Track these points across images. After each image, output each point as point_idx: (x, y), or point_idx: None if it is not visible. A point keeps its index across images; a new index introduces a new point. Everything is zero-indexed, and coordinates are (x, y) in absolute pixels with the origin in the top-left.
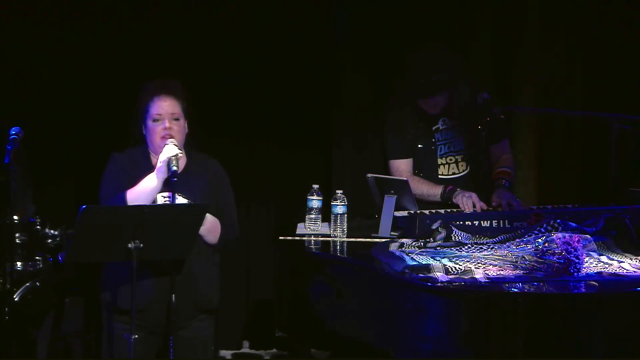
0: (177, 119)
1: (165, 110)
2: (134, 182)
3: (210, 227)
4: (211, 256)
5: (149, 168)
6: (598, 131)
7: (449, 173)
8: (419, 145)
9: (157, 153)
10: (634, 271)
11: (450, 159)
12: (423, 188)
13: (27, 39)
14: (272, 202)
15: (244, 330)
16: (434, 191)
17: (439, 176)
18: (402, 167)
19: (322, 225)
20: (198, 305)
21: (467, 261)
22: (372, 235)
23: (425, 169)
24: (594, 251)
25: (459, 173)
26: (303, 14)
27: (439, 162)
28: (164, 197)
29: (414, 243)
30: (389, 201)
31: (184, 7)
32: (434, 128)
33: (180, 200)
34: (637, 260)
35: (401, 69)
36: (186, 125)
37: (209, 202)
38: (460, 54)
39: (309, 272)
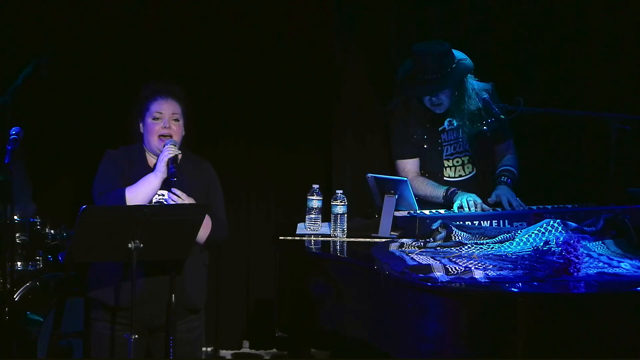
0: (176, 120)
1: (166, 110)
2: (128, 179)
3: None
4: (199, 256)
5: (145, 166)
6: (598, 131)
7: (456, 175)
8: (425, 146)
9: (154, 151)
10: (634, 271)
11: (457, 161)
12: (427, 189)
13: (27, 39)
14: (272, 202)
15: (244, 330)
16: (437, 193)
17: (445, 178)
18: (408, 167)
19: (322, 225)
20: (184, 305)
21: (467, 261)
22: (372, 235)
23: (431, 170)
24: (594, 251)
25: (465, 175)
26: (303, 14)
27: (445, 164)
28: (160, 195)
29: (414, 243)
30: (389, 201)
31: (183, 7)
32: (440, 129)
33: (178, 194)
34: (637, 260)
35: (403, 67)
36: (184, 127)
37: (201, 202)
38: (463, 52)
39: (309, 272)
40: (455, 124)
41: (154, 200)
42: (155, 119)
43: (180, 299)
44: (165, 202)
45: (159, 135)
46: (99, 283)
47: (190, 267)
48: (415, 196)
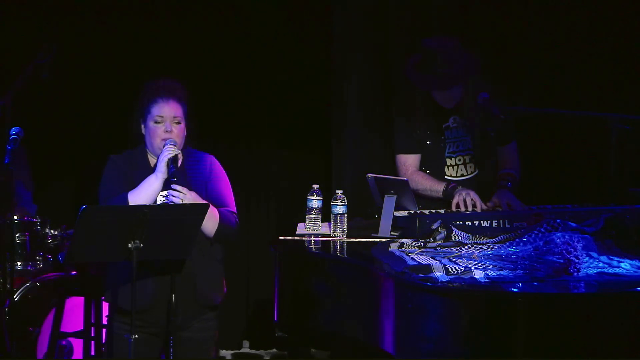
0: (178, 122)
1: (167, 113)
2: (132, 183)
3: (208, 213)
4: (210, 252)
5: (147, 168)
6: (598, 131)
7: (457, 175)
8: (428, 142)
9: (156, 153)
10: (634, 271)
11: (459, 160)
12: (426, 183)
13: (28, 39)
14: (272, 202)
15: (244, 330)
16: (437, 187)
17: (446, 177)
18: (409, 162)
19: (322, 225)
20: (199, 303)
21: (467, 261)
22: (372, 235)
23: (433, 166)
24: (594, 251)
25: (467, 175)
26: (304, 14)
27: (448, 163)
28: (163, 197)
29: (414, 243)
30: (389, 201)
31: (184, 7)
32: (444, 125)
33: (179, 189)
34: (637, 260)
35: (412, 61)
36: (186, 126)
37: (206, 198)
38: (475, 49)
39: (309, 272)
40: (460, 122)
41: (158, 201)
42: (156, 122)
43: (191, 297)
44: (167, 203)
45: (162, 139)
46: (115, 286)
47: (201, 263)
48: (415, 191)
